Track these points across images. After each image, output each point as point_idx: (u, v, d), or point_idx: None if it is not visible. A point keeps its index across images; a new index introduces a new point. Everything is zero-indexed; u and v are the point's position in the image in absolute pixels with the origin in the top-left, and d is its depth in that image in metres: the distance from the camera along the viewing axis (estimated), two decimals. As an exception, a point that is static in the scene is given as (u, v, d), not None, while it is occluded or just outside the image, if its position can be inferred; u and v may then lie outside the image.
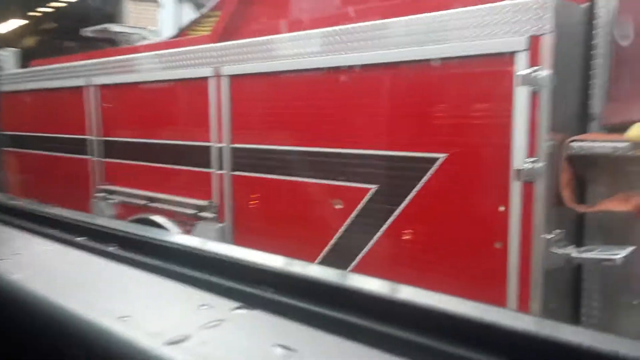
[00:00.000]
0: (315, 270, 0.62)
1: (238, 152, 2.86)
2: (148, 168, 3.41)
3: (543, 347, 0.43)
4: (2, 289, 0.70)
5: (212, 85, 2.93)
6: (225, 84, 2.87)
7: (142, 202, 3.40)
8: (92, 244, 0.80)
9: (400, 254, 2.27)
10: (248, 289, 0.60)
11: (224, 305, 0.58)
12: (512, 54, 1.88)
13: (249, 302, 0.58)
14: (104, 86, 3.69)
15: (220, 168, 2.93)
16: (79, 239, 0.83)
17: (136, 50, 3.73)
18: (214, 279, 0.63)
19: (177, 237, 0.77)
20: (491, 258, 1.97)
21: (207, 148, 2.97)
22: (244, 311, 0.57)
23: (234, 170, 2.88)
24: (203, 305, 0.58)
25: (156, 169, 3.35)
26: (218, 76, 2.90)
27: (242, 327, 0.54)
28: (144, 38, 5.03)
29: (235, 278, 0.62)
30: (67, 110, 4.03)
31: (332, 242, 2.47)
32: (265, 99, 2.75)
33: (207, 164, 2.98)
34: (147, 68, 3.36)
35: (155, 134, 3.35)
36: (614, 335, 0.44)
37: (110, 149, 3.71)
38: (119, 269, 0.72)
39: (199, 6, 5.59)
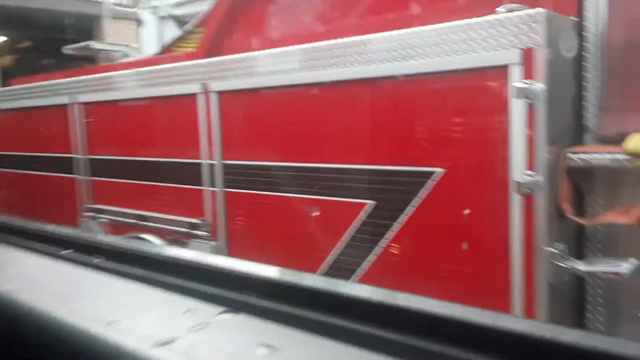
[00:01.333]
0: (293, 276, 0.65)
1: (230, 168, 2.82)
2: (138, 186, 3.34)
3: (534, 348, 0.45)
4: None
5: (200, 101, 2.90)
6: (214, 101, 2.84)
7: (133, 220, 3.33)
8: (77, 256, 0.82)
9: (399, 269, 2.24)
10: (232, 295, 0.63)
11: (208, 310, 0.60)
12: (505, 67, 1.88)
13: (233, 306, 0.60)
14: (89, 104, 3.62)
15: (213, 185, 2.88)
16: (64, 252, 0.84)
17: (120, 67, 3.69)
18: (198, 286, 0.65)
19: (160, 248, 0.78)
20: (494, 273, 1.95)
21: (198, 165, 2.92)
22: (228, 315, 0.59)
23: (226, 187, 2.84)
24: (188, 310, 0.60)
25: (146, 187, 3.29)
26: (207, 92, 2.86)
27: (227, 329, 0.57)
28: (126, 55, 5.00)
29: (218, 285, 0.65)
30: (52, 129, 3.95)
31: (328, 258, 2.44)
32: (256, 115, 2.73)
33: (199, 181, 2.93)
34: (133, 85, 3.31)
35: (144, 152, 3.30)
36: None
37: (98, 167, 3.64)
38: (105, 280, 0.73)
39: (181, 23, 5.57)
